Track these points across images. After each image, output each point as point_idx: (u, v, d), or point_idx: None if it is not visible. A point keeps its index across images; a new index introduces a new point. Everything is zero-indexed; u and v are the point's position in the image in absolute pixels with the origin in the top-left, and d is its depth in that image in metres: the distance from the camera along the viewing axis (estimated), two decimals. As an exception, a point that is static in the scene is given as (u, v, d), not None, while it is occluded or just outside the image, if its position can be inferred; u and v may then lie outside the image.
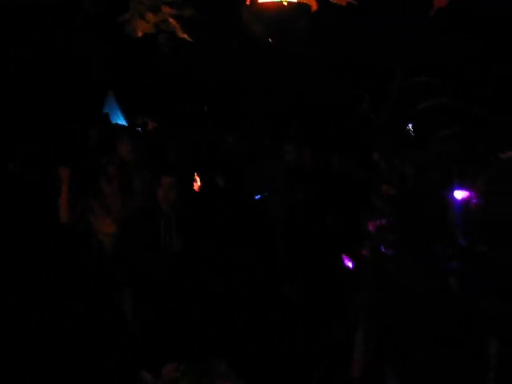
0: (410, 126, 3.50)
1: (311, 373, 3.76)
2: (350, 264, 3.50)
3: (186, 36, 5.26)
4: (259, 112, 6.33)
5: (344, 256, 3.55)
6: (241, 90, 7.04)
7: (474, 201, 2.95)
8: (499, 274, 2.77)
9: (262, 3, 4.47)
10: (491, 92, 4.17)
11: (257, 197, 5.25)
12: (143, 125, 8.88)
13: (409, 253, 3.07)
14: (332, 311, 3.86)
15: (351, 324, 3.41)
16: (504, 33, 4.51)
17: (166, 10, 4.97)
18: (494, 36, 4.55)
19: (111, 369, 4.25)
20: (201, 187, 5.44)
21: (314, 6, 3.95)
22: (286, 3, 4.27)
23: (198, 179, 5.59)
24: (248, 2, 4.51)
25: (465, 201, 3.00)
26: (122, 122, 9.54)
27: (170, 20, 4.99)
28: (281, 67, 5.94)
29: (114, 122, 9.16)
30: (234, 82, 7.07)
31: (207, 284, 4.46)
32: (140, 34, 5.24)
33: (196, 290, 4.39)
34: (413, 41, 4.56)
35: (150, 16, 4.96)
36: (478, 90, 4.08)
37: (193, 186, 5.49)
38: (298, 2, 4.16)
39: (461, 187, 3.02)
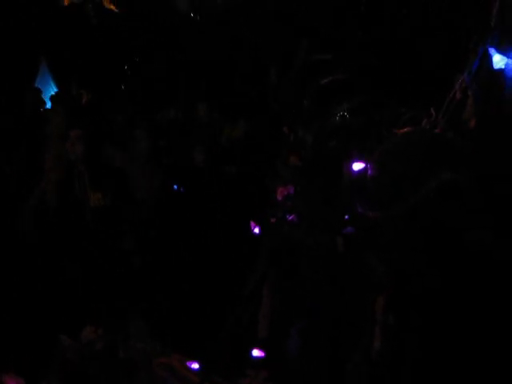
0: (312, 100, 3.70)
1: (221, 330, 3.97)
2: (256, 230, 3.71)
3: (112, 7, 5.31)
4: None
5: (252, 222, 3.75)
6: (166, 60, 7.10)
7: (369, 172, 3.19)
8: (387, 236, 3.02)
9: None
10: (390, 70, 4.41)
11: None
12: (77, 95, 8.81)
13: (310, 218, 3.29)
14: (241, 269, 4.06)
15: (259, 282, 3.62)
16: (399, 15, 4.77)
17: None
18: (390, 14, 4.80)
19: (32, 335, 4.35)
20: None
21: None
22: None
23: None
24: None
25: (361, 172, 3.24)
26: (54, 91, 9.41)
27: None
28: (202, 40, 6.07)
29: (46, 91, 9.04)
30: (161, 53, 7.12)
31: (122, 243, 4.60)
32: (66, 3, 5.26)
33: (112, 250, 4.53)
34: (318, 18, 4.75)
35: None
36: (378, 70, 4.31)
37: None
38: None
39: (358, 159, 3.25)
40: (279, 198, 3.56)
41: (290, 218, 3.46)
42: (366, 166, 3.20)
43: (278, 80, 3.66)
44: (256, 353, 3.67)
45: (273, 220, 3.57)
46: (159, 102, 6.37)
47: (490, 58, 3.52)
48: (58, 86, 9.09)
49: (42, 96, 8.05)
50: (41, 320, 4.32)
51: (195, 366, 3.68)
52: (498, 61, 3.53)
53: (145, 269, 4.64)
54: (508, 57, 3.48)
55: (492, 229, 3.04)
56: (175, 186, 4.94)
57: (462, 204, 3.10)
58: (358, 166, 3.24)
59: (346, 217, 3.22)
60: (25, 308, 4.46)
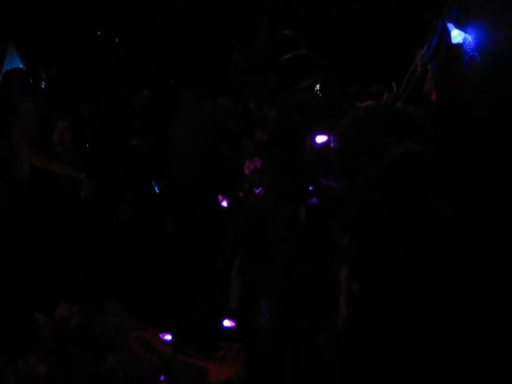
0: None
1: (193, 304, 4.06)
2: (224, 203, 3.81)
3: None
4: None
5: (220, 196, 3.85)
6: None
7: (332, 144, 3.30)
8: (350, 207, 3.14)
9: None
10: (353, 45, 4.51)
11: None
12: (48, 78, 8.76)
13: (275, 191, 3.40)
14: (210, 244, 4.15)
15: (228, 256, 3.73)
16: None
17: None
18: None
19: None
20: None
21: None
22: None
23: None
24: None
25: (324, 144, 3.34)
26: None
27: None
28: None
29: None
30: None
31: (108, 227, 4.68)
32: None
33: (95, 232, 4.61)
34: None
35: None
36: (340, 45, 4.41)
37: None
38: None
39: (321, 132, 3.36)
40: (246, 171, 3.66)
41: (257, 191, 3.56)
42: (329, 138, 3.31)
43: (244, 57, 3.74)
44: (227, 323, 3.78)
45: (240, 194, 3.67)
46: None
47: (448, 33, 3.62)
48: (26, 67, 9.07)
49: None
50: (15, 298, 4.39)
51: (168, 337, 3.79)
52: (456, 36, 3.62)
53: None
54: (466, 32, 3.59)
55: (450, 200, 3.16)
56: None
57: (422, 175, 3.21)
58: (321, 139, 3.35)
59: (310, 188, 3.33)
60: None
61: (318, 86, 3.54)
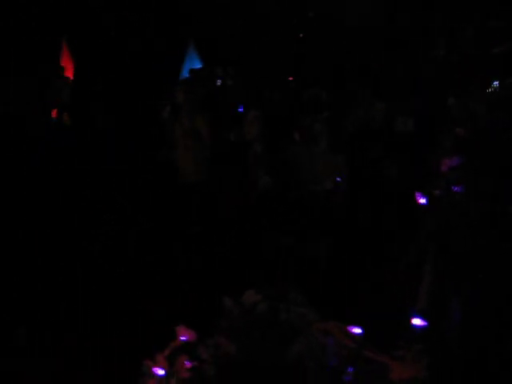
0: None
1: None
2: (423, 200, 3.73)
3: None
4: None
5: (417, 193, 3.78)
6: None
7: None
8: None
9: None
10: None
11: None
12: (224, 75, 9.19)
13: (478, 190, 3.27)
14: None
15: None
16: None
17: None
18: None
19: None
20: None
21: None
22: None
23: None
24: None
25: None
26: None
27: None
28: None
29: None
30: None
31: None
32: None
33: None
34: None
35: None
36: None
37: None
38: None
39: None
40: (444, 169, 3.56)
41: (456, 189, 3.45)
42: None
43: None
44: (417, 321, 3.71)
45: (436, 192, 3.58)
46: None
47: None
48: (202, 63, 9.73)
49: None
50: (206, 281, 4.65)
51: (356, 330, 3.79)
52: None
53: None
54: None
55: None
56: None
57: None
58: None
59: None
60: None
61: None
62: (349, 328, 3.82)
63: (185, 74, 9.54)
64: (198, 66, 9.64)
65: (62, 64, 9.11)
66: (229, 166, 5.90)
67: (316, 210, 5.20)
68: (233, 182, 5.78)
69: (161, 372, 3.90)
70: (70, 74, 9.09)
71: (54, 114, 8.39)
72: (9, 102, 7.31)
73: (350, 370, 3.51)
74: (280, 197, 5.37)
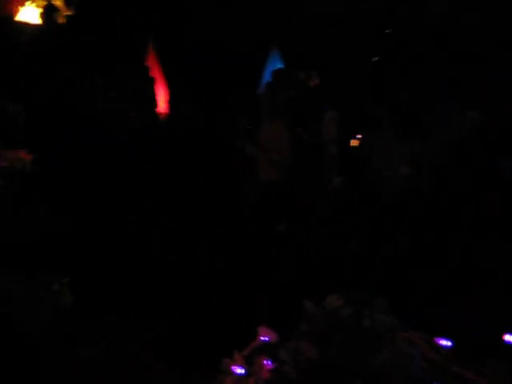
0: None
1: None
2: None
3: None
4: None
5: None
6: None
7: None
8: None
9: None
10: None
11: None
12: (306, 78, 9.19)
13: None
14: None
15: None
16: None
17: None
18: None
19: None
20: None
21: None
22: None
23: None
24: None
25: None
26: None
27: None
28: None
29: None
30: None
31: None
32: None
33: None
34: None
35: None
36: None
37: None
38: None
39: None
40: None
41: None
42: None
43: None
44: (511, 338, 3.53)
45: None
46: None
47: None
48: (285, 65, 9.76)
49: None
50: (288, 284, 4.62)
51: (445, 342, 3.65)
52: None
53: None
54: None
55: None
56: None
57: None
58: None
59: None
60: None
61: None
62: (436, 339, 3.68)
63: (267, 76, 9.58)
64: (280, 67, 9.65)
65: (148, 64, 9.34)
66: (305, 167, 5.87)
67: (392, 204, 5.09)
68: (309, 183, 5.76)
69: (240, 371, 3.88)
70: (154, 74, 9.29)
71: (139, 112, 8.61)
72: (109, 99, 7.57)
73: (435, 384, 3.37)
74: (353, 197, 5.31)
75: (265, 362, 3.84)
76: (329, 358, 3.79)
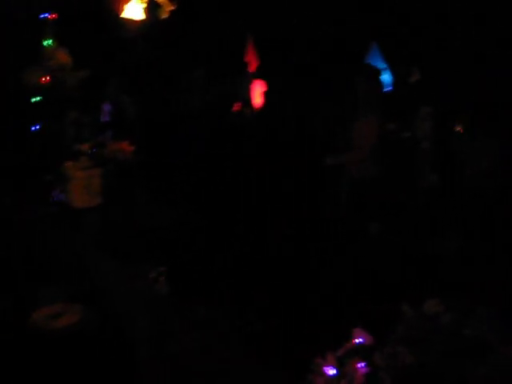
0: None
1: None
2: None
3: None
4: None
5: None
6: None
7: None
8: None
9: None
10: None
11: None
12: (406, 75, 8.98)
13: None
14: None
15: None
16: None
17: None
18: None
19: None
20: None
21: None
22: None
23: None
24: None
25: None
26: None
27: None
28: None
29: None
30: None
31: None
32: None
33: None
34: None
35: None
36: None
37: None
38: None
39: None
40: None
41: None
42: None
43: None
44: None
45: None
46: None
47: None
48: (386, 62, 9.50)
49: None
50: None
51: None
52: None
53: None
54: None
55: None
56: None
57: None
58: None
59: None
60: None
61: None
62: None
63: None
64: (380, 65, 9.43)
65: (247, 59, 9.38)
66: (397, 163, 5.71)
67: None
68: (401, 180, 5.59)
69: (332, 372, 3.79)
70: (253, 69, 9.32)
71: (237, 107, 8.67)
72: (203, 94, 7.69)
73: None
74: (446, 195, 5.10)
75: (358, 365, 3.74)
76: (426, 364, 3.64)
